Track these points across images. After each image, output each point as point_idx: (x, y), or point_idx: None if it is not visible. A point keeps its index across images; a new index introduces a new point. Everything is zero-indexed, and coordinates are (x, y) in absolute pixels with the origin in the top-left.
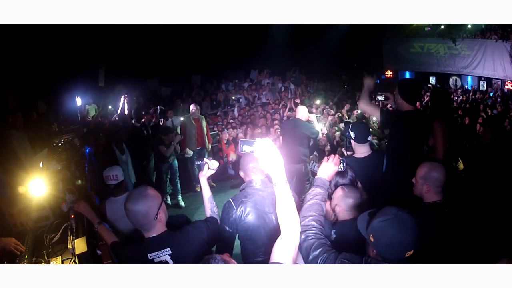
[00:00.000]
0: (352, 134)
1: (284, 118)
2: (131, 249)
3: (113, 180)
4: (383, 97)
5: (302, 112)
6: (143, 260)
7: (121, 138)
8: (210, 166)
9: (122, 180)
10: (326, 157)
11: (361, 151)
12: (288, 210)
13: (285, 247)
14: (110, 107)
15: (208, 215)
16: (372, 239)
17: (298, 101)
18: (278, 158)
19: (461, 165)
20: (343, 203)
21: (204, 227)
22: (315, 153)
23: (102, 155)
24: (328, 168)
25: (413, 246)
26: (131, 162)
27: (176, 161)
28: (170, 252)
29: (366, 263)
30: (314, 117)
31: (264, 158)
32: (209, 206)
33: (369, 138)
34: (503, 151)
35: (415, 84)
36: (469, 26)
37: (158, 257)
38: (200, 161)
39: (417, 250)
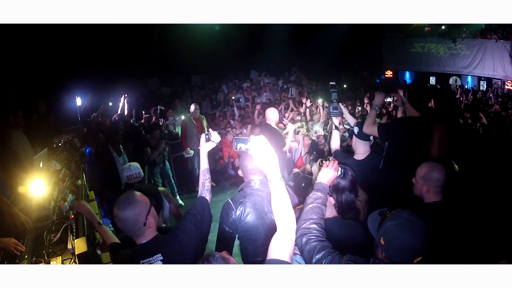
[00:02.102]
0: (356, 129)
1: (286, 118)
2: (124, 255)
3: (137, 178)
4: (392, 98)
5: (271, 116)
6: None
7: (118, 140)
8: (211, 138)
9: (143, 177)
10: (325, 163)
11: (361, 151)
12: (283, 206)
13: (281, 244)
14: (110, 103)
15: (199, 192)
16: (382, 242)
17: (306, 102)
18: (272, 155)
19: (456, 167)
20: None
21: (191, 224)
22: (314, 152)
23: (100, 157)
24: (328, 173)
25: (422, 252)
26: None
27: (168, 164)
28: (161, 258)
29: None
30: (291, 128)
31: (259, 155)
32: (202, 179)
33: (371, 137)
34: (504, 149)
35: (426, 91)
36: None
37: (150, 263)
38: (204, 133)
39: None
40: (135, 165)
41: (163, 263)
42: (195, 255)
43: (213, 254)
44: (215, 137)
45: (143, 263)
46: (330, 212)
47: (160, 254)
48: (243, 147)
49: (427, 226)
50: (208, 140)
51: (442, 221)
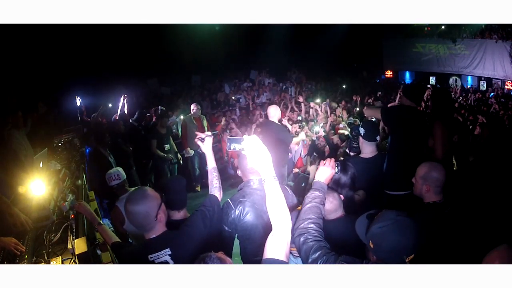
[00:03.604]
0: (362, 131)
1: (284, 118)
2: (131, 250)
3: (116, 180)
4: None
5: (273, 113)
6: (143, 261)
7: (106, 143)
8: (203, 137)
9: (125, 179)
10: (322, 161)
11: (368, 150)
12: (278, 205)
13: (277, 243)
14: (110, 105)
15: (210, 191)
16: (372, 245)
17: (301, 99)
18: (266, 155)
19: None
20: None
21: (199, 220)
22: (314, 153)
23: (95, 159)
24: (325, 171)
25: (414, 250)
26: (115, 165)
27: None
28: (170, 252)
29: None
30: (302, 137)
31: (253, 155)
32: (210, 178)
33: (378, 138)
34: (501, 148)
35: (419, 86)
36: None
37: (158, 258)
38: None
39: (418, 250)
40: (117, 169)
41: (171, 258)
42: (204, 250)
43: (209, 255)
44: (206, 135)
45: (151, 258)
46: (335, 214)
47: (168, 249)
48: (237, 147)
49: (424, 222)
50: (202, 140)
51: (442, 221)
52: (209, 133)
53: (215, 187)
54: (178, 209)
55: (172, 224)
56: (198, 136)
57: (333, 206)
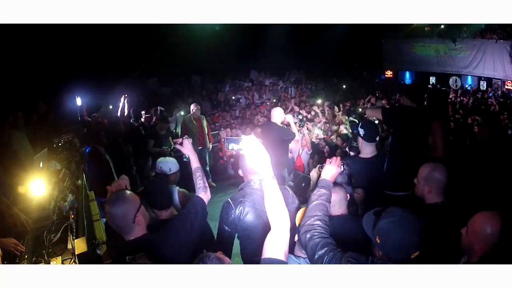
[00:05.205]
0: (361, 132)
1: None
2: (115, 250)
3: (157, 170)
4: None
5: (276, 115)
6: (123, 262)
7: (102, 141)
8: (179, 142)
9: (169, 174)
10: (328, 160)
11: (367, 151)
12: (277, 205)
13: (276, 242)
14: (110, 106)
15: (196, 192)
16: (378, 241)
17: (297, 109)
18: (264, 154)
19: None
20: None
21: (179, 224)
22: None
23: (93, 158)
24: (331, 170)
25: (419, 247)
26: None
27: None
28: (146, 256)
29: (372, 263)
30: (291, 118)
31: (251, 154)
32: (194, 178)
33: (377, 138)
34: (500, 148)
35: (420, 87)
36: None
37: (135, 260)
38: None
39: (421, 250)
40: (167, 159)
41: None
42: (184, 254)
43: (208, 254)
44: (183, 138)
45: (128, 260)
46: (339, 209)
47: (144, 253)
48: (235, 147)
49: (425, 223)
50: (181, 144)
51: (444, 222)
52: (186, 136)
53: (199, 188)
54: (163, 208)
55: (160, 223)
56: (176, 142)
57: (335, 198)
